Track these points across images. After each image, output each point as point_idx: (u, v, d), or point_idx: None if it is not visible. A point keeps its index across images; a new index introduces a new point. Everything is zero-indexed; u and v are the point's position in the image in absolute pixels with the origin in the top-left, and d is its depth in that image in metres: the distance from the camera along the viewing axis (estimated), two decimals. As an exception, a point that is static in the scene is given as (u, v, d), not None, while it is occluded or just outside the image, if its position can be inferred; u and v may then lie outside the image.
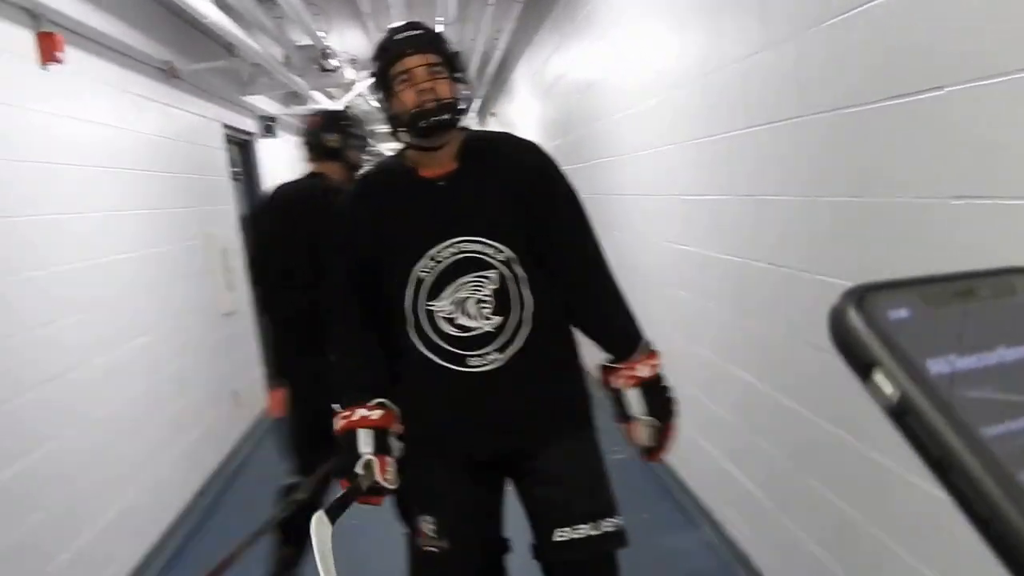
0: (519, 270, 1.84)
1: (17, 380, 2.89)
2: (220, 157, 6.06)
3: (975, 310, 0.32)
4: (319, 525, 1.54)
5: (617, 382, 1.88)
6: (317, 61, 6.51)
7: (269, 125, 7.35)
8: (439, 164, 1.88)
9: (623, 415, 1.88)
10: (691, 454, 3.37)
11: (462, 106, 1.86)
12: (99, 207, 3.82)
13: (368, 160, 3.12)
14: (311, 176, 3.04)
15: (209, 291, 5.23)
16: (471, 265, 1.82)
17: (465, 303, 1.82)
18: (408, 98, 1.81)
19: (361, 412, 1.84)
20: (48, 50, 3.53)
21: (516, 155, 1.94)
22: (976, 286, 0.33)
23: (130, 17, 4.36)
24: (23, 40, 3.37)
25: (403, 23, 1.93)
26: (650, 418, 1.86)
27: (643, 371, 1.87)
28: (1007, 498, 0.26)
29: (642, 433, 1.87)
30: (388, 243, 1.87)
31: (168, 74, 4.96)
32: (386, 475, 1.79)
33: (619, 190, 4.49)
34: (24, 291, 3.02)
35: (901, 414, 0.28)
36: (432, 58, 1.83)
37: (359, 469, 1.77)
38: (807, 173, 2.21)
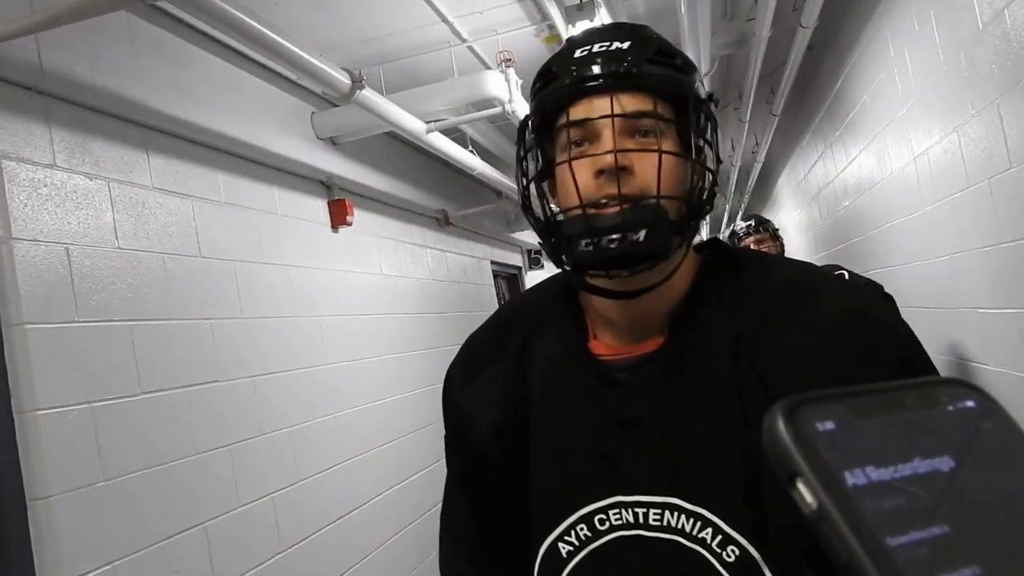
0: None
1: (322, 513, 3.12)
2: (489, 293, 6.40)
3: (897, 421, 0.33)
4: None
5: None
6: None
7: (536, 258, 7.68)
8: (634, 326, 0.92)
9: None
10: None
11: (694, 212, 0.88)
12: (386, 351, 4.14)
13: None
14: None
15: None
16: (661, 561, 0.85)
17: None
18: (573, 183, 0.85)
19: None
20: (339, 215, 3.98)
21: (814, 334, 0.83)
22: (903, 397, 0.34)
23: (409, 177, 4.83)
24: (317, 209, 3.82)
25: (600, 26, 0.99)
26: None
27: None
28: None
29: None
30: (518, 464, 0.95)
31: (441, 222, 5.39)
32: None
33: (899, 301, 4.06)
34: (322, 433, 3.30)
35: (817, 521, 0.30)
36: (637, 102, 0.86)
37: None
38: None
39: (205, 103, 2.98)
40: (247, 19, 2.33)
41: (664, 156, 0.83)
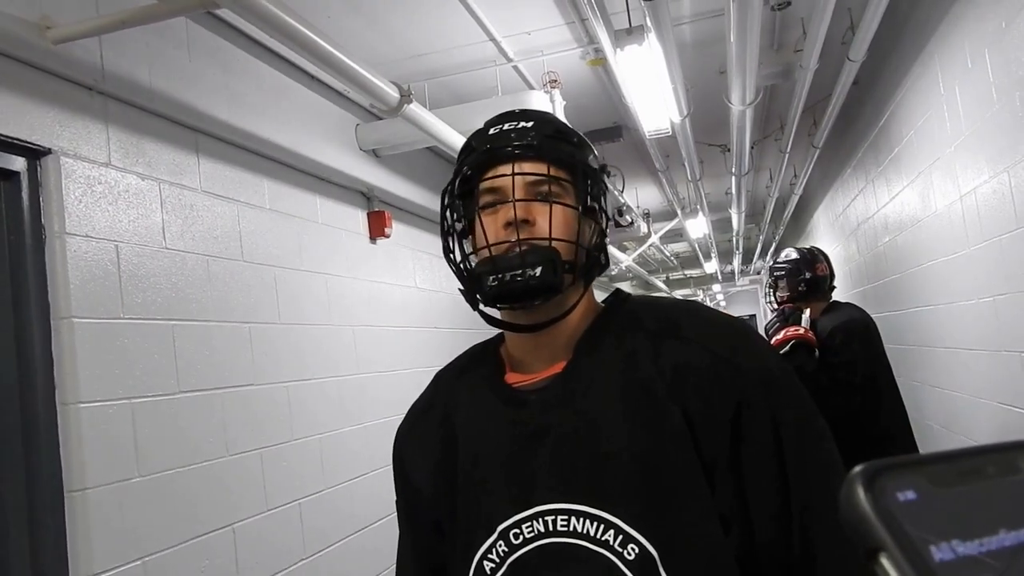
0: None
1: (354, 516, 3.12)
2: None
3: (979, 491, 0.32)
4: None
5: None
6: (613, 218, 6.76)
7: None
8: (541, 357, 1.04)
9: None
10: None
11: (581, 260, 1.01)
12: (417, 364, 4.15)
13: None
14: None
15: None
16: (568, 566, 0.91)
17: None
18: (485, 234, 0.99)
19: None
20: (378, 226, 4.01)
21: (694, 348, 0.95)
22: (982, 464, 0.33)
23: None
24: (357, 219, 3.86)
25: (509, 110, 1.10)
26: None
27: None
28: None
29: None
30: (450, 500, 1.04)
31: (476, 239, 5.40)
32: None
33: (938, 342, 3.99)
34: (352, 440, 3.31)
35: None
36: (539, 167, 1.00)
37: None
38: None
39: (255, 110, 3.03)
40: (303, 29, 2.36)
41: (557, 207, 0.99)
